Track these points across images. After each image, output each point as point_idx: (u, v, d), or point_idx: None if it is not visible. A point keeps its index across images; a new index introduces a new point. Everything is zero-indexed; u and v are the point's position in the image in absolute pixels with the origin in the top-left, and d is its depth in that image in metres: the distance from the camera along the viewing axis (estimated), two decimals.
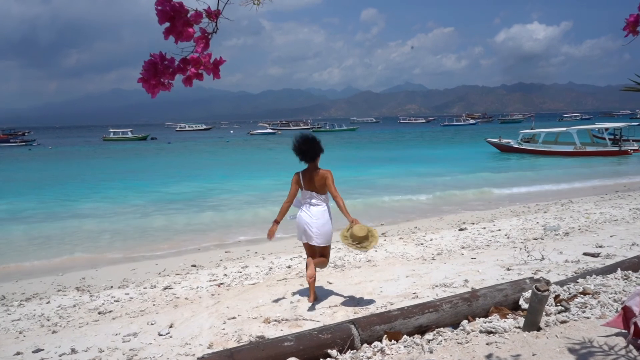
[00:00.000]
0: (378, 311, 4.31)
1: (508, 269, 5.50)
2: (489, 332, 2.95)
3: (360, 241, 4.46)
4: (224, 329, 4.23)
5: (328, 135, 72.31)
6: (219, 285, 6.18)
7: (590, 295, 3.64)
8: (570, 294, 3.73)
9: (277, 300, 5.01)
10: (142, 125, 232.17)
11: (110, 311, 5.36)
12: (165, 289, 6.21)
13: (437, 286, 5.00)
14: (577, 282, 3.95)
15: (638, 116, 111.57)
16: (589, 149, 29.37)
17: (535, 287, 2.87)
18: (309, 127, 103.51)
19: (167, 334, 4.22)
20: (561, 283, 3.94)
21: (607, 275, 4.07)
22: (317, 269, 4.87)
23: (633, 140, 32.12)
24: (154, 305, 5.49)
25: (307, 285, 5.75)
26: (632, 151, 28.36)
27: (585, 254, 6.01)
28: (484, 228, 9.09)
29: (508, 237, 7.95)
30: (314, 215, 4.63)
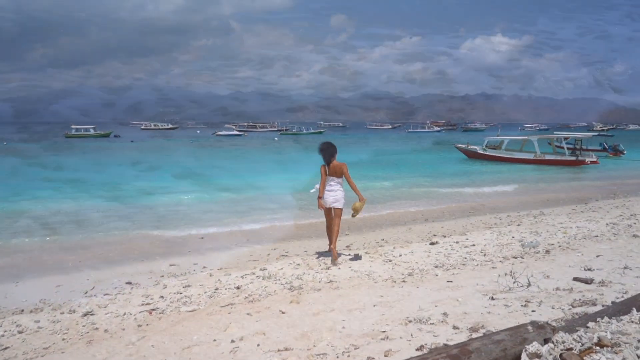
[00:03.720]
0: None
1: (492, 298, 4.70)
2: None
3: (357, 212, 7.08)
4: None
5: (294, 138, 71.33)
6: (150, 312, 5.14)
7: (610, 349, 2.83)
8: (582, 344, 2.91)
9: (215, 339, 4.03)
10: (107, 122, 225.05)
11: (5, 348, 4.25)
12: (85, 315, 5.13)
13: (410, 321, 4.14)
14: (588, 327, 3.16)
15: (594, 129, 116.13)
16: (547, 157, 29.77)
17: (561, 356, 2.03)
18: (276, 129, 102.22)
19: None
20: (569, 329, 3.13)
21: (622, 318, 3.29)
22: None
23: (591, 151, 32.67)
24: (63, 340, 4.41)
25: (254, 314, 4.82)
26: (589, 162, 28.69)
27: (575, 279, 5.30)
28: (457, 242, 8.35)
29: (484, 255, 7.22)
30: (333, 190, 7.09)
